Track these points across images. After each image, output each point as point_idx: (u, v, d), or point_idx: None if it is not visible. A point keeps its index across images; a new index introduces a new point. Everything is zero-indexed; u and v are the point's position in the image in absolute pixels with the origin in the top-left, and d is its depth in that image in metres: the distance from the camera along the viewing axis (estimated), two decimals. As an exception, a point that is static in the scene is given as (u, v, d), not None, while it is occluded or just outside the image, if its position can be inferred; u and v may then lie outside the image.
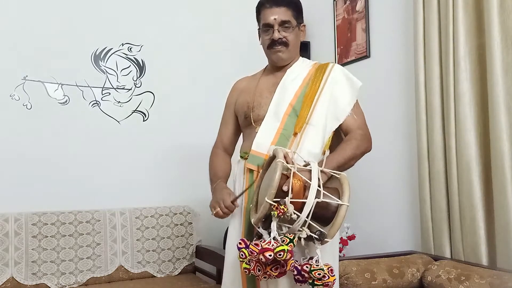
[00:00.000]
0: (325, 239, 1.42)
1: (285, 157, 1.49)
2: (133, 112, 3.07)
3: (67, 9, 2.90)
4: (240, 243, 1.47)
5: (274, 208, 1.40)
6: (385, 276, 2.11)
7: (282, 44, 1.76)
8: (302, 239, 1.44)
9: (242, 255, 1.45)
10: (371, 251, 2.58)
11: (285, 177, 1.45)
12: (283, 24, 1.74)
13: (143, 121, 3.10)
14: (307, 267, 1.43)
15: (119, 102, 3.03)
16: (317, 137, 1.69)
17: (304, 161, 1.58)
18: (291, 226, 1.43)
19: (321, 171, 1.50)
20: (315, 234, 1.42)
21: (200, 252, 2.93)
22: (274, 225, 1.43)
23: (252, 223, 1.49)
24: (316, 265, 1.43)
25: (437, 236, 2.36)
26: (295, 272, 1.45)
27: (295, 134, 1.68)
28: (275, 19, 1.74)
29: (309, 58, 2.82)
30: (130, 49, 3.08)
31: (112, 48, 3.02)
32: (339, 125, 1.73)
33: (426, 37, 2.41)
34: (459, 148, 2.22)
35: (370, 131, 1.77)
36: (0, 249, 2.48)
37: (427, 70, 2.40)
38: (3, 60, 2.73)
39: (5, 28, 2.74)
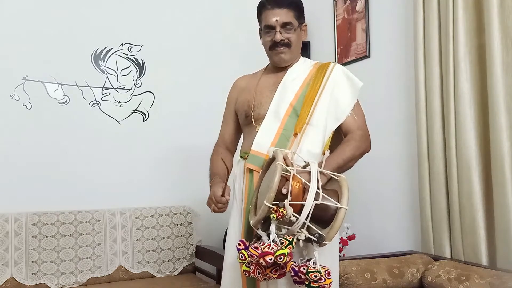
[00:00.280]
0: (324, 242, 1.42)
1: (284, 159, 1.49)
2: (133, 112, 3.07)
3: (67, 9, 2.90)
4: (239, 244, 1.47)
5: (273, 211, 1.40)
6: (385, 276, 2.11)
7: (284, 45, 1.75)
8: (300, 241, 1.44)
9: (241, 256, 1.44)
10: (371, 251, 2.58)
11: (284, 179, 1.45)
12: (284, 25, 1.74)
13: (143, 121, 3.10)
14: (304, 268, 1.43)
15: (119, 102, 3.03)
16: (317, 137, 1.68)
17: (304, 162, 1.58)
18: (290, 227, 1.43)
19: (321, 173, 1.50)
20: (313, 236, 1.43)
21: (200, 252, 2.93)
22: (273, 227, 1.42)
23: (251, 225, 1.49)
24: (313, 267, 1.43)
25: (437, 236, 2.36)
26: (292, 273, 1.45)
27: (295, 134, 1.68)
28: (276, 20, 1.73)
29: (309, 58, 2.81)
30: (130, 49, 3.08)
31: (112, 48, 3.03)
32: (339, 125, 1.73)
33: (426, 37, 2.41)
34: (459, 148, 2.22)
35: (370, 131, 1.77)
36: (0, 249, 2.48)
37: (427, 70, 2.40)
38: (3, 60, 2.73)
39: (5, 28, 2.74)
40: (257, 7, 1.81)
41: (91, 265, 2.66)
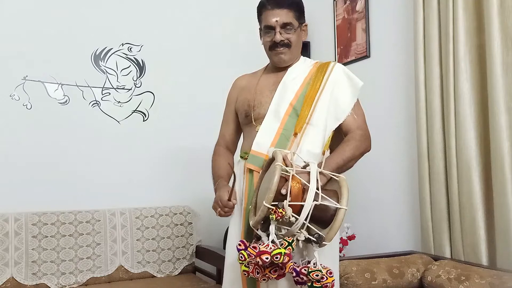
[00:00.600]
0: (323, 242, 1.42)
1: (284, 160, 1.49)
2: (133, 112, 3.07)
3: (67, 9, 2.90)
4: (239, 245, 1.47)
5: (272, 212, 1.40)
6: (385, 276, 2.11)
7: (284, 45, 1.75)
8: (300, 242, 1.44)
9: (241, 257, 1.45)
10: (371, 251, 2.58)
11: (283, 179, 1.45)
12: (285, 26, 1.73)
13: (143, 121, 3.10)
14: (305, 270, 1.44)
15: (119, 102, 3.03)
16: (317, 137, 1.68)
17: (304, 162, 1.58)
18: (289, 228, 1.43)
19: (320, 173, 1.50)
20: (313, 237, 1.43)
21: (200, 252, 2.93)
22: (272, 228, 1.43)
23: (251, 225, 1.49)
24: (314, 267, 1.43)
25: (437, 236, 2.36)
26: (294, 274, 1.45)
27: (295, 134, 1.68)
28: (276, 21, 1.73)
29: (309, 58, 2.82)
30: (130, 49, 3.08)
31: (112, 48, 3.03)
32: (339, 125, 1.72)
33: (426, 37, 2.41)
34: (459, 148, 2.22)
35: (370, 131, 1.77)
36: (0, 249, 2.48)
37: (427, 70, 2.40)
38: (3, 60, 2.73)
39: (5, 28, 2.74)
40: (257, 7, 1.81)
41: (91, 265, 2.66)
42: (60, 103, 2.88)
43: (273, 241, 1.41)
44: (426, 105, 2.42)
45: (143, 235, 2.83)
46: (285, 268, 1.42)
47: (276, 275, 1.46)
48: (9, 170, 2.71)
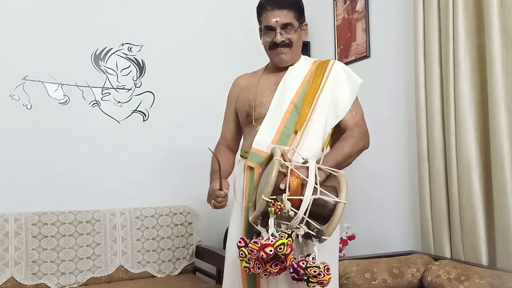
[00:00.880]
0: (323, 237, 1.42)
1: (283, 155, 1.49)
2: (133, 112, 3.07)
3: (67, 9, 2.90)
4: (240, 242, 1.47)
5: (270, 205, 1.40)
6: (385, 276, 2.11)
7: (284, 46, 1.75)
8: (300, 237, 1.44)
9: (242, 254, 1.45)
10: (371, 251, 2.58)
11: (282, 175, 1.45)
12: (285, 26, 1.73)
13: (143, 121, 3.10)
14: (303, 263, 1.43)
15: (119, 102, 3.03)
16: (318, 135, 1.69)
17: (303, 159, 1.58)
18: (289, 223, 1.43)
19: (319, 169, 1.51)
20: (313, 231, 1.43)
21: (200, 252, 2.93)
22: (271, 221, 1.43)
23: (250, 221, 1.50)
24: (312, 262, 1.43)
25: (437, 236, 2.36)
26: (291, 270, 1.44)
27: (296, 132, 1.68)
28: (276, 21, 1.73)
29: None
30: (130, 49, 3.08)
31: (112, 48, 3.03)
32: (338, 122, 1.73)
33: (426, 37, 2.41)
34: (459, 148, 2.22)
35: (370, 131, 1.77)
36: (0, 249, 2.48)
37: (427, 70, 2.40)
38: (3, 60, 2.73)
39: (5, 28, 2.74)
40: (257, 7, 1.81)
41: (91, 265, 2.66)
42: (60, 103, 2.88)
43: (272, 234, 1.41)
44: (426, 105, 2.42)
45: (143, 235, 2.83)
46: (287, 260, 1.42)
47: (277, 269, 1.46)
48: (9, 170, 2.71)
